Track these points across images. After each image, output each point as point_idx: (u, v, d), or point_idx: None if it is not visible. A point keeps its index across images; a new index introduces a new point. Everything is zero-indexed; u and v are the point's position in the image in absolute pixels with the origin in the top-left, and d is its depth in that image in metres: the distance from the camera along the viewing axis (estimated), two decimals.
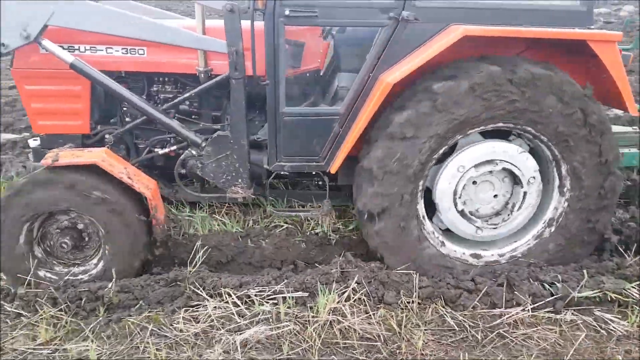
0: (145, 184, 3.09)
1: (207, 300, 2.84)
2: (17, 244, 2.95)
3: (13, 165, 4.88)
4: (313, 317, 2.75)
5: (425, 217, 3.22)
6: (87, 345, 2.54)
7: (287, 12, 2.96)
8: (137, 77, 3.46)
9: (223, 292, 2.87)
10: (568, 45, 3.02)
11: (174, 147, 3.49)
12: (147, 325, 2.70)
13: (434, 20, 2.98)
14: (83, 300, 2.86)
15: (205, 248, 3.34)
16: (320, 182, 3.76)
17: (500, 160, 3.09)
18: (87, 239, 3.15)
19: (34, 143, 3.54)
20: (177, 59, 3.33)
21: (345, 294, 2.83)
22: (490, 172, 3.15)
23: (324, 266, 3.10)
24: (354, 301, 2.83)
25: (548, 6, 3.16)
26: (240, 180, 3.40)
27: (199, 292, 2.88)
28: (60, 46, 3.16)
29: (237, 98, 3.21)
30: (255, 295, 2.85)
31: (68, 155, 2.98)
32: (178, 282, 3.00)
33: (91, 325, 2.70)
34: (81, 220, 3.10)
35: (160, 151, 3.51)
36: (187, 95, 3.36)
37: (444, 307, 2.88)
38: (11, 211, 2.89)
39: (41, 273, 3.05)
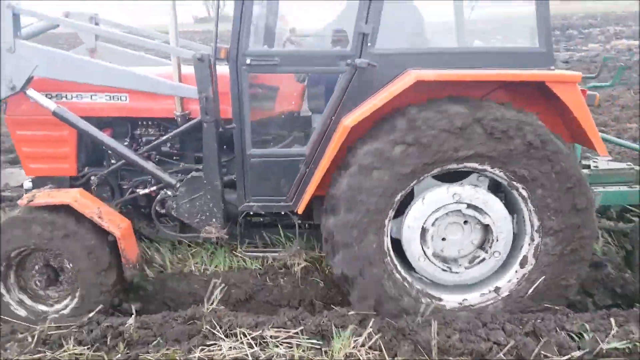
0: (116, 224, 3.22)
1: (223, 340, 2.85)
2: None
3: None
4: None
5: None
6: None
7: (248, 61, 3.13)
8: (121, 121, 3.65)
9: (238, 332, 2.87)
10: (538, 86, 3.01)
11: (154, 188, 3.60)
12: None
13: (392, 66, 3.06)
14: (108, 337, 2.92)
15: (223, 286, 3.35)
16: (301, 222, 3.71)
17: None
18: (62, 277, 3.27)
19: (27, 184, 3.73)
20: (156, 105, 3.51)
21: (361, 339, 2.79)
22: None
23: (340, 308, 3.07)
24: (369, 347, 2.78)
25: (508, 48, 3.23)
26: (214, 220, 3.47)
27: (214, 331, 2.89)
28: (50, 94, 3.45)
29: (208, 141, 3.33)
30: (271, 337, 2.84)
31: (44, 196, 3.19)
32: (195, 320, 3.03)
33: None
34: (56, 259, 3.22)
35: (141, 192, 3.63)
36: (164, 138, 3.53)
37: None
38: None
39: (19, 312, 3.21)
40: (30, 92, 3.31)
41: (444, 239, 3.17)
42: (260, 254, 3.69)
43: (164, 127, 3.64)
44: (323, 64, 3.24)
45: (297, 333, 2.85)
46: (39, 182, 3.63)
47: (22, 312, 3.22)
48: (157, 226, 3.70)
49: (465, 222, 3.15)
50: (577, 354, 2.72)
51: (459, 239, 3.18)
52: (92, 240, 3.14)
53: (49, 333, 2.91)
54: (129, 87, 3.39)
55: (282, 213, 3.51)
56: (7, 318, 3.15)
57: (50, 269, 3.26)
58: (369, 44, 3.06)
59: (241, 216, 3.60)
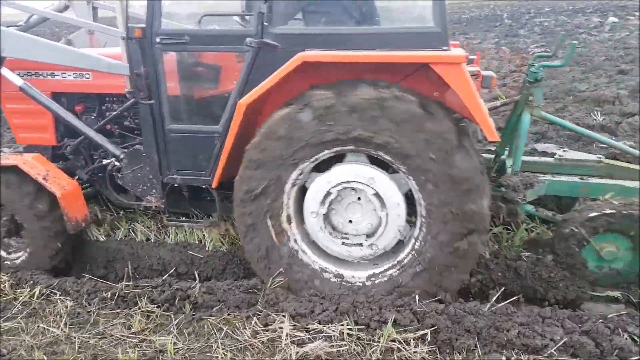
0: (60, 185, 3.56)
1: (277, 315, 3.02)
2: None
3: None
4: (374, 340, 2.80)
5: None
6: (170, 339, 2.87)
7: (158, 40, 3.27)
8: (90, 97, 3.96)
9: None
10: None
11: (113, 159, 3.87)
12: (223, 327, 2.97)
13: (293, 46, 3.00)
14: (176, 298, 3.23)
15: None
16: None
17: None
18: (22, 232, 3.69)
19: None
20: (115, 82, 3.69)
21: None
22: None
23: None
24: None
25: (402, 29, 3.11)
26: (154, 191, 3.71)
27: (270, 313, 3.05)
28: (30, 72, 3.93)
29: (144, 116, 3.51)
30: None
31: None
32: (256, 290, 3.25)
33: (176, 321, 3.04)
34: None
35: (104, 161, 3.93)
36: (114, 114, 3.85)
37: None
38: None
39: None
40: (3, 70, 3.72)
41: (350, 221, 3.24)
42: (180, 224, 3.91)
43: (124, 103, 3.84)
44: (229, 43, 3.27)
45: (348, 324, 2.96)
46: (29, 150, 4.07)
47: None
48: (112, 193, 4.05)
49: (359, 198, 3.17)
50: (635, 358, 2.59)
51: (359, 218, 3.21)
52: (37, 199, 3.54)
53: (126, 292, 3.27)
54: (71, 65, 3.67)
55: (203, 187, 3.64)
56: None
57: (14, 222, 3.71)
58: (265, 24, 3.05)
59: (167, 187, 3.74)
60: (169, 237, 4.14)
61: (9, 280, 3.48)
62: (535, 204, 3.88)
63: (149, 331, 2.99)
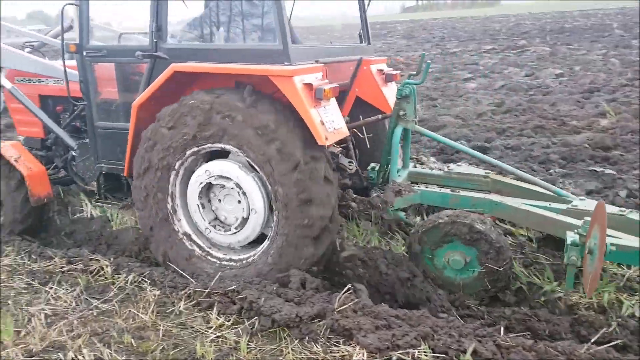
0: (27, 167, 4.44)
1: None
2: None
3: None
4: None
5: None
6: (244, 339, 2.92)
7: (84, 53, 4.09)
8: (66, 99, 4.55)
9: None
10: None
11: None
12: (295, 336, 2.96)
13: (180, 59, 3.56)
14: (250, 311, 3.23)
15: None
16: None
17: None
18: None
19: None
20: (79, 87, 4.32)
21: None
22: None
23: None
24: None
25: (256, 46, 3.84)
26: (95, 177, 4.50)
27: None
28: (24, 79, 4.88)
29: (86, 115, 4.33)
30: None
31: None
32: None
33: (249, 322, 3.09)
34: None
35: (72, 152, 4.70)
36: (75, 114, 4.66)
37: None
38: None
39: None
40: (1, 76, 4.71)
41: (223, 211, 3.70)
42: (101, 205, 4.83)
43: None
44: (133, 56, 3.77)
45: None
46: (28, 141, 5.09)
47: None
48: (75, 178, 4.82)
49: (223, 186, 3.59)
50: None
51: (233, 208, 3.64)
52: (10, 177, 4.48)
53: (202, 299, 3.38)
54: (27, 69, 4.71)
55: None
56: None
57: None
58: (154, 40, 3.69)
59: (99, 174, 4.45)
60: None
61: (110, 265, 3.79)
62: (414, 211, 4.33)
63: (226, 328, 3.07)
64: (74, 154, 4.68)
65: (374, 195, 3.91)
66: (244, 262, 3.64)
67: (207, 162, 3.66)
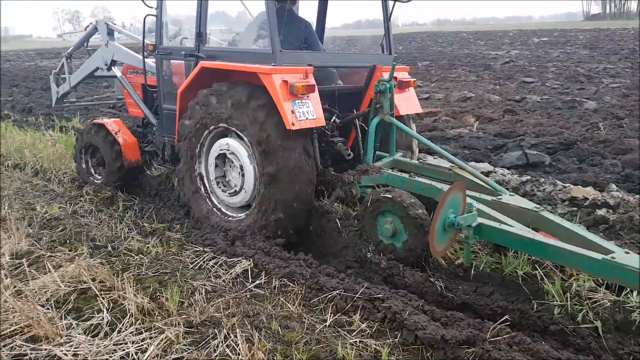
0: (123, 138, 5.89)
1: None
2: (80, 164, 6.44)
3: None
4: None
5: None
6: (385, 350, 2.83)
7: (157, 52, 5.38)
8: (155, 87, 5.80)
9: None
10: None
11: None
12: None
13: (211, 59, 4.68)
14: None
15: None
16: None
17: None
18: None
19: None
20: None
21: None
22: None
23: None
24: None
25: (257, 50, 4.74)
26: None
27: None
28: (135, 71, 6.23)
29: (159, 100, 5.68)
30: None
31: (98, 120, 6.17)
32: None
33: (391, 332, 2.99)
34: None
35: (154, 129, 5.98)
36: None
37: None
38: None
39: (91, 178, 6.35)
40: (115, 68, 6.26)
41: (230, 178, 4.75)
42: (165, 168, 6.37)
43: None
44: (181, 55, 5.07)
45: None
46: (136, 119, 6.54)
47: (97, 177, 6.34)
48: (155, 148, 6.10)
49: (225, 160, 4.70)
50: None
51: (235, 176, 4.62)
52: (113, 145, 5.88)
53: (343, 304, 3.37)
54: (134, 64, 6.17)
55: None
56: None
57: (101, 158, 6.15)
58: (197, 44, 4.83)
59: (163, 144, 5.81)
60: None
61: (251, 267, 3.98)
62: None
63: (367, 335, 3.02)
64: (154, 129, 5.89)
65: (345, 173, 4.57)
66: (237, 219, 4.65)
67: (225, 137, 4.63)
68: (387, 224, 4.03)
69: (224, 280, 3.72)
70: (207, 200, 4.86)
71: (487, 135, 8.59)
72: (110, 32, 6.39)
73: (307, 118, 4.11)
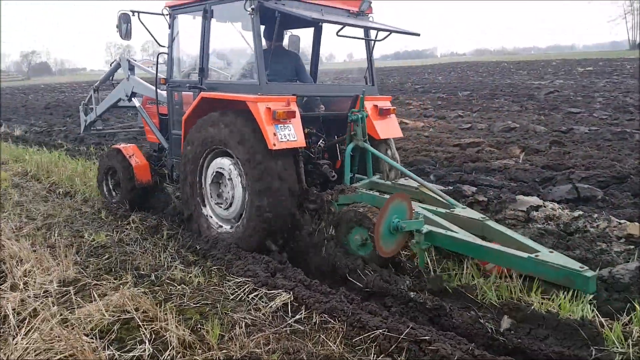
0: (136, 161, 6.59)
1: None
2: (102, 184, 7.23)
3: None
4: None
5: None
6: None
7: (167, 85, 6.13)
8: (166, 116, 6.46)
9: None
10: None
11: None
12: None
13: (212, 90, 5.39)
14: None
15: None
16: None
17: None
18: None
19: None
20: None
21: None
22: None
23: None
24: None
25: (247, 82, 5.47)
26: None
27: None
28: (152, 102, 6.73)
29: (169, 126, 6.35)
30: None
31: (117, 145, 6.95)
32: None
33: None
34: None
35: (166, 152, 6.61)
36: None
37: None
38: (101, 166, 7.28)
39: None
40: (134, 99, 6.99)
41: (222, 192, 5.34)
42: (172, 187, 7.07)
43: None
44: (186, 87, 5.83)
45: None
46: (153, 145, 7.07)
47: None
48: (167, 170, 6.61)
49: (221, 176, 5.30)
50: None
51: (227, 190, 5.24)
52: (127, 167, 6.58)
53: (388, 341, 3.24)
54: (150, 95, 6.76)
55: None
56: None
57: (117, 179, 6.89)
58: (200, 77, 5.54)
59: (172, 166, 6.34)
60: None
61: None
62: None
63: None
64: (166, 153, 6.52)
65: (324, 192, 5.11)
66: (229, 231, 5.24)
67: (221, 157, 5.26)
68: (356, 236, 4.65)
69: (264, 314, 3.67)
70: (207, 215, 5.49)
71: (534, 167, 8.30)
72: (132, 68, 7.07)
73: (287, 139, 4.74)
